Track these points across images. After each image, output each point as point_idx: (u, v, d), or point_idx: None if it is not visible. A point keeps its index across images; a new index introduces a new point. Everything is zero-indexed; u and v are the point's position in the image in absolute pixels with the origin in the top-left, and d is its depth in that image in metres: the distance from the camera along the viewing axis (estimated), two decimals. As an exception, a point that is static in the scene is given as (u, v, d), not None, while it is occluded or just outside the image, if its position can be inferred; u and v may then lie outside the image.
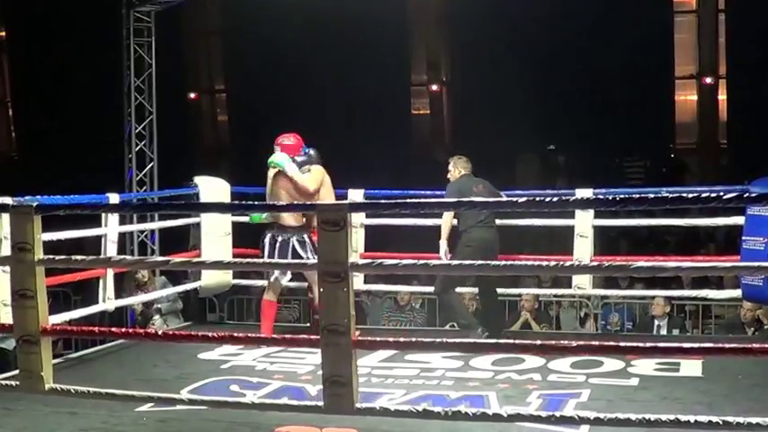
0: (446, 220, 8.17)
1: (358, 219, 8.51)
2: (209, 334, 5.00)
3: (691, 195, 4.17)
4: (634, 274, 8.63)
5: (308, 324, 9.12)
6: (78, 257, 5.40)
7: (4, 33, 23.89)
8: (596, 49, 17.79)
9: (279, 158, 7.99)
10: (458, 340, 5.68)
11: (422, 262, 5.13)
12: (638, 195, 4.30)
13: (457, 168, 8.34)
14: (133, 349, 7.83)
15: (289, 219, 7.89)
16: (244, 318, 10.56)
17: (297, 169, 7.94)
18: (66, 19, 19.97)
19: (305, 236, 7.90)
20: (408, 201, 7.44)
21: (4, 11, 23.18)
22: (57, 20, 20.27)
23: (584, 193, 8.08)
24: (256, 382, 6.71)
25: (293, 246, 7.88)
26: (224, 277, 9.20)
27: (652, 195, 4.45)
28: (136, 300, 9.26)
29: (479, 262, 5.89)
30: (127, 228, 9.35)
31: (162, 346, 7.62)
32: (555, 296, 9.93)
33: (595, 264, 7.53)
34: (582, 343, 4.61)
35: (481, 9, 16.94)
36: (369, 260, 7.05)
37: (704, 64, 19.17)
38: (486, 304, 8.54)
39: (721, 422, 4.16)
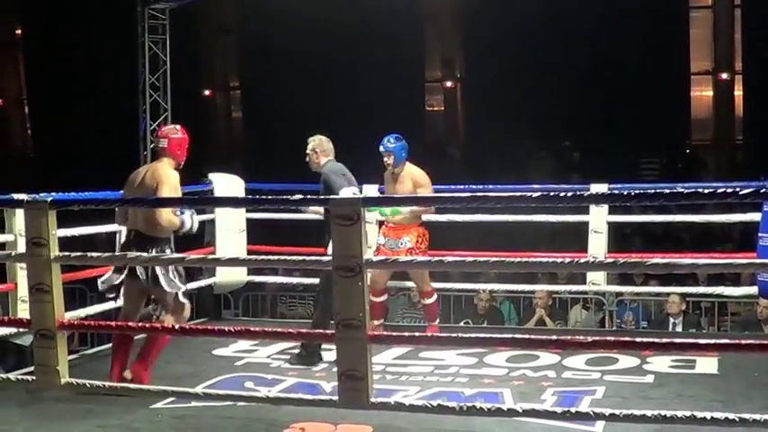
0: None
1: (373, 214, 8.48)
2: (226, 328, 5.01)
3: (706, 191, 4.13)
4: (650, 270, 8.61)
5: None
6: (94, 254, 5.41)
7: (19, 31, 23.98)
8: (611, 45, 17.75)
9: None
10: (472, 336, 5.66)
11: (436, 259, 5.12)
12: (653, 191, 4.27)
13: (325, 154, 7.34)
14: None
15: (148, 226, 6.39)
16: (258, 314, 10.59)
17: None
18: (82, 17, 20.03)
19: (167, 249, 6.46)
20: (422, 196, 7.49)
21: (20, 9, 23.27)
22: (72, 18, 20.34)
23: (598, 188, 8.06)
24: (271, 378, 6.72)
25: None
26: (239, 274, 9.21)
27: (667, 191, 4.42)
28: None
29: (494, 258, 5.87)
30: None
31: (176, 342, 7.62)
32: (569, 293, 9.90)
33: (610, 260, 7.51)
34: (597, 338, 4.59)
35: (495, 5, 16.90)
36: (383, 257, 7.06)
37: (720, 59, 19.10)
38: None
39: (737, 419, 4.14)
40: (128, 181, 6.59)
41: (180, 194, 6.49)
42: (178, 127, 6.72)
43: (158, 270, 6.25)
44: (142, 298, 6.58)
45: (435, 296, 8.21)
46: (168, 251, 6.42)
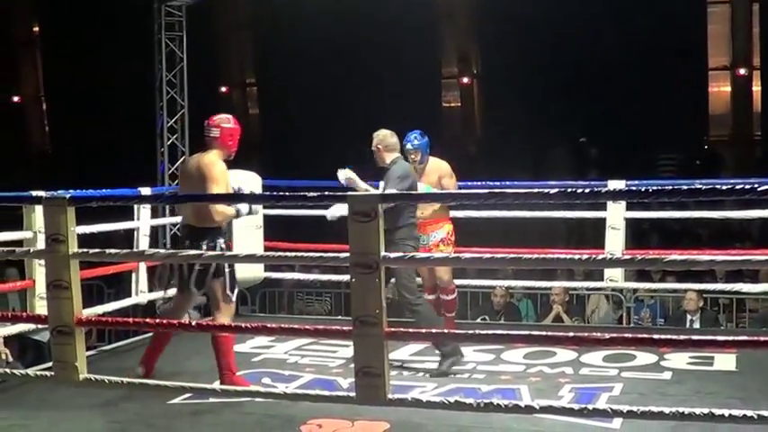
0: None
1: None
2: (243, 325, 5.02)
3: (724, 187, 4.11)
4: (667, 267, 8.51)
5: (340, 317, 9.12)
6: (112, 251, 5.42)
7: (37, 29, 24.09)
8: (629, 41, 17.70)
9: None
10: (489, 332, 5.66)
11: (454, 255, 5.12)
12: (670, 187, 4.25)
13: (389, 149, 7.01)
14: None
15: (198, 219, 6.29)
16: (275, 310, 10.60)
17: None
18: (98, 14, 20.10)
19: (219, 239, 6.32)
20: (440, 192, 7.48)
21: (38, 7, 23.38)
22: (89, 15, 20.41)
23: (616, 184, 8.03)
24: (288, 374, 6.73)
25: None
26: (256, 270, 9.22)
27: (685, 187, 4.40)
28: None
29: (511, 255, 5.86)
30: (159, 221, 9.40)
31: (195, 338, 7.65)
32: (587, 289, 9.88)
33: (628, 257, 7.48)
34: (615, 335, 4.58)
35: (512, 2, 16.89)
36: (400, 254, 7.05)
37: (738, 55, 19.03)
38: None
39: (756, 416, 4.12)
40: (180, 169, 6.50)
41: (228, 187, 6.34)
42: (231, 117, 6.53)
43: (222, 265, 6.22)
44: (190, 306, 6.63)
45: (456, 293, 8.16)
46: (221, 240, 6.30)
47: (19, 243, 7.02)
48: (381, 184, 7.10)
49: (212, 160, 6.30)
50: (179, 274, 6.29)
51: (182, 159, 10.10)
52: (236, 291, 6.36)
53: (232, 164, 7.90)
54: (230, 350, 6.33)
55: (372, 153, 7.10)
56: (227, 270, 6.25)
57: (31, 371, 6.16)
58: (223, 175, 6.26)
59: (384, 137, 7.04)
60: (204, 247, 6.17)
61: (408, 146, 7.66)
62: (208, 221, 6.23)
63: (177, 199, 6.27)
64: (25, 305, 7.37)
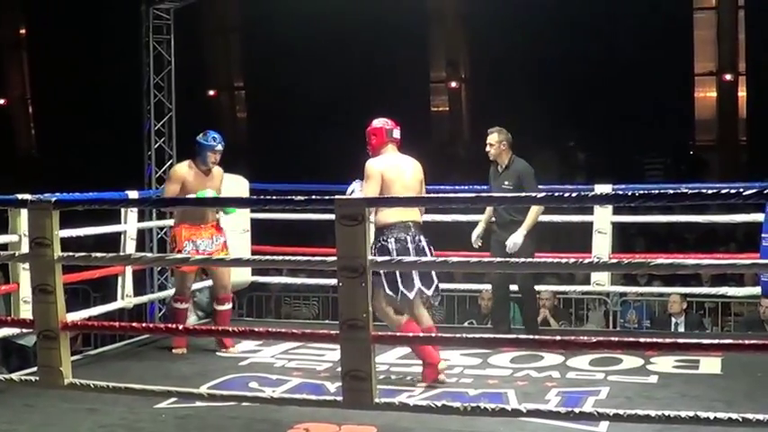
0: (536, 213, 6.94)
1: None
2: (230, 329, 5.01)
3: (710, 191, 4.13)
4: (653, 271, 8.60)
5: (327, 321, 9.11)
6: (98, 255, 5.40)
7: (24, 31, 24.03)
8: (615, 46, 17.75)
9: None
10: (477, 336, 5.66)
11: (440, 259, 5.11)
12: (657, 191, 4.27)
13: (510, 148, 7.34)
14: (152, 346, 7.86)
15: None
16: (263, 314, 10.59)
17: None
18: (86, 17, 20.06)
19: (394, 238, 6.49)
20: (426, 196, 7.48)
21: (25, 9, 23.32)
22: (76, 18, 20.37)
23: (603, 188, 8.05)
24: (275, 378, 6.72)
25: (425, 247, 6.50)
26: (243, 274, 9.21)
27: (671, 191, 4.42)
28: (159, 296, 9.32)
29: (498, 259, 5.88)
30: (146, 224, 9.37)
31: (181, 342, 7.64)
32: (575, 293, 9.90)
33: (615, 261, 7.50)
34: (601, 339, 4.59)
35: (500, 6, 16.91)
36: (387, 257, 7.05)
37: (724, 61, 19.11)
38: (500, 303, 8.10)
39: (741, 419, 4.13)
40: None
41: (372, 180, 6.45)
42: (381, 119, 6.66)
43: None
44: None
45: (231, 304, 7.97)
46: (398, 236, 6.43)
47: (3, 246, 7.00)
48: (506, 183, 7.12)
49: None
50: None
51: (168, 163, 10.07)
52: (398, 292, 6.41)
53: (221, 168, 7.90)
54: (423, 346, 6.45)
55: (490, 147, 7.33)
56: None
57: (15, 375, 6.13)
58: (370, 174, 6.48)
59: (507, 134, 7.33)
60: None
61: (219, 147, 7.53)
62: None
63: (165, 202, 6.25)
64: (9, 309, 7.34)
